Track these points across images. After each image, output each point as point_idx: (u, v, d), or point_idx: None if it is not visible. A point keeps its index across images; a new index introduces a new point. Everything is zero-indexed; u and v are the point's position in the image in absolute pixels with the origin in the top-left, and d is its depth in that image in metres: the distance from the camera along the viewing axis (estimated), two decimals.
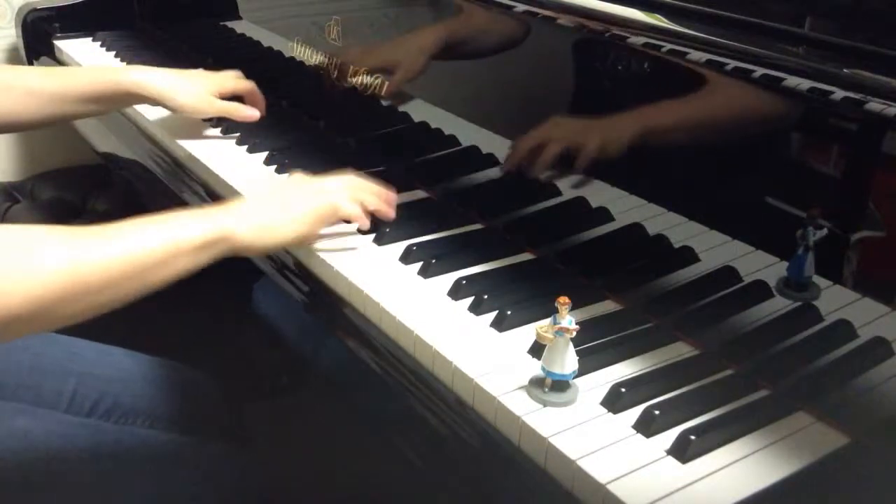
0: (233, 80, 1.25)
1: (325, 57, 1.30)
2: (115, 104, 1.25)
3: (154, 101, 1.20)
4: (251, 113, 1.23)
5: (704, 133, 0.86)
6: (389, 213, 0.97)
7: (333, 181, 0.95)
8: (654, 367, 0.76)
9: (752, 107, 0.80)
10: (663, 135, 0.89)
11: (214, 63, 1.60)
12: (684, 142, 0.88)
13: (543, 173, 0.98)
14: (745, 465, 0.66)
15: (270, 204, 0.91)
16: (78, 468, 0.90)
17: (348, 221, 0.96)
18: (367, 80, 1.22)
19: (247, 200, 0.94)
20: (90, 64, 1.61)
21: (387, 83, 1.17)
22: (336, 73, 1.27)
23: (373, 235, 0.97)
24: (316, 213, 0.92)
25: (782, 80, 0.75)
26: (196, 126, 1.30)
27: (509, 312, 0.81)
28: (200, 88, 1.20)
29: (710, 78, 0.81)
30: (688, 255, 0.86)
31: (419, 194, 1.09)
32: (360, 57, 1.22)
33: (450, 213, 1.03)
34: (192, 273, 0.82)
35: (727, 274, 0.82)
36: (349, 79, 1.25)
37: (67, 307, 0.72)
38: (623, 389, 0.71)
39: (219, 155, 1.21)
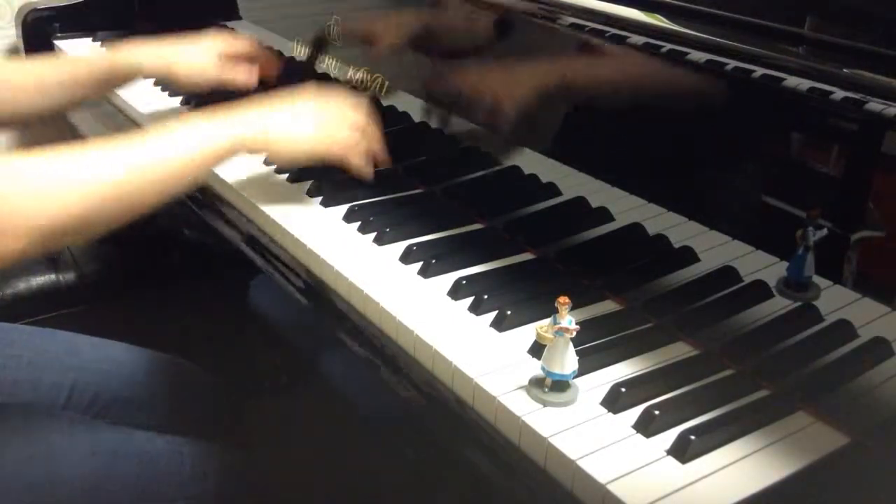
0: (238, 42, 1.24)
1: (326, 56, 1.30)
2: (112, 87, 1.25)
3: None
4: (247, 78, 1.21)
5: (703, 132, 0.86)
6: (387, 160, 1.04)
7: (353, 129, 0.99)
8: (654, 367, 0.76)
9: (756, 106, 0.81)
10: (664, 133, 0.89)
11: None
12: (683, 141, 0.88)
13: None
14: (745, 465, 0.66)
15: (285, 114, 0.96)
16: (77, 464, 0.90)
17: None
18: (367, 78, 1.22)
19: (261, 109, 0.96)
20: None
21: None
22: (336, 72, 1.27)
23: (373, 235, 0.97)
24: (326, 152, 0.97)
25: (782, 80, 0.75)
26: None
27: (509, 312, 0.81)
28: (198, 60, 1.19)
29: (709, 78, 0.82)
30: (688, 255, 0.86)
31: (420, 194, 1.09)
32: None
33: (450, 213, 1.03)
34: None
35: (727, 274, 0.82)
36: (348, 78, 1.25)
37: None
38: (623, 389, 0.71)
39: None
